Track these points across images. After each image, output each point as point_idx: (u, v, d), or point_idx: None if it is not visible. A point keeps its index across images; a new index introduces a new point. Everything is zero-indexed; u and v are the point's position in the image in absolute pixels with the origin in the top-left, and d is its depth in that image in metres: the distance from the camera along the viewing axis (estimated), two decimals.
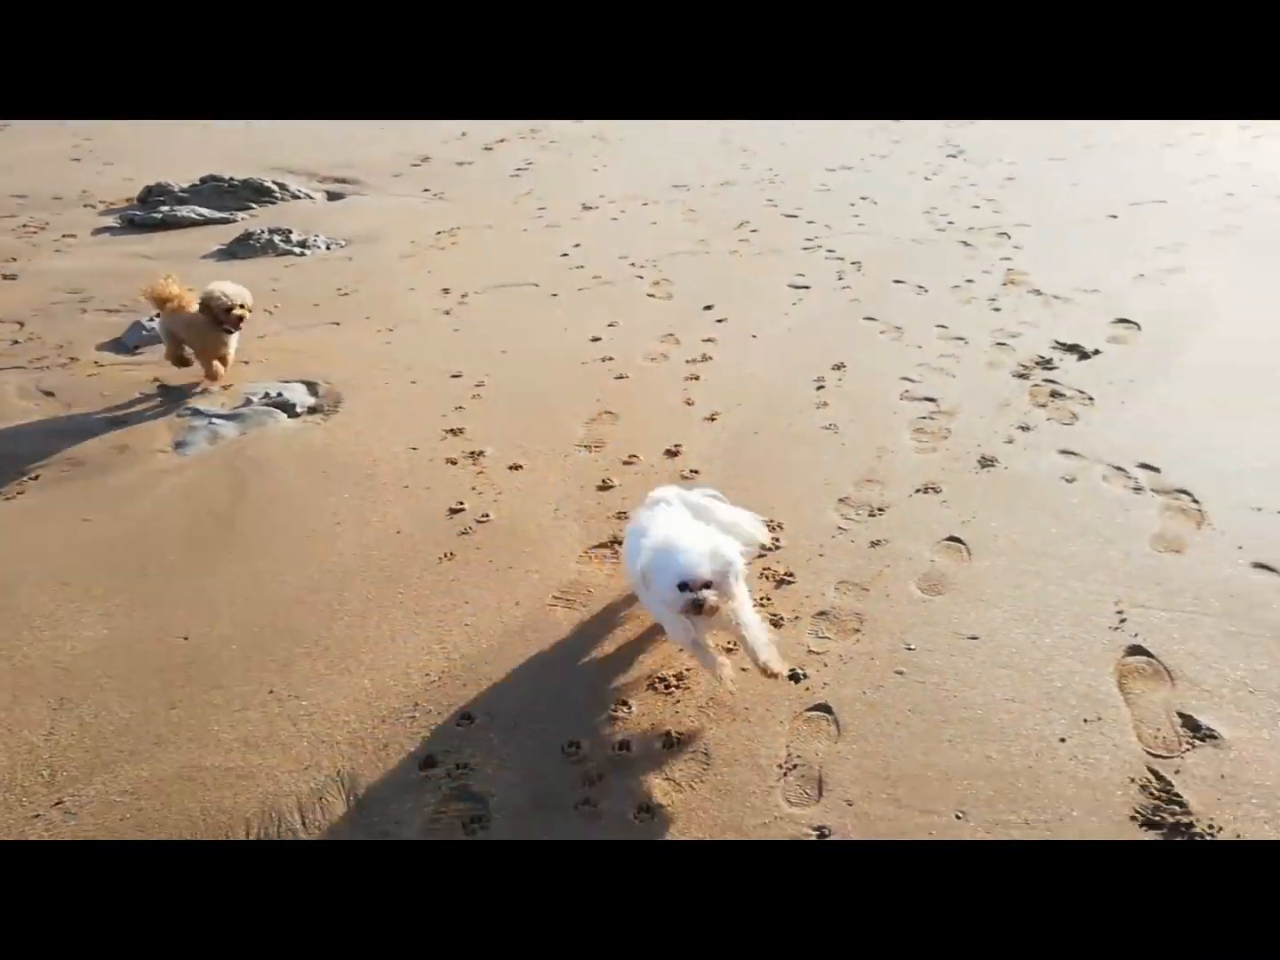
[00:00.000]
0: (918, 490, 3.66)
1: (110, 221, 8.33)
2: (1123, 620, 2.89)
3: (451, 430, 4.36)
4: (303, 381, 4.99)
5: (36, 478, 4.13)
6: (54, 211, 8.68)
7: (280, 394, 4.82)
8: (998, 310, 5.37)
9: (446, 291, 6.22)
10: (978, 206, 7.55)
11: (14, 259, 7.25)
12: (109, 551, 3.59)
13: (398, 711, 2.80)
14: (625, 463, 4.04)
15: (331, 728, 2.74)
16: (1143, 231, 6.72)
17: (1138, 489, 3.56)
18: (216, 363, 4.95)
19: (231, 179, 8.82)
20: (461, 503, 3.79)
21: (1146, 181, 8.07)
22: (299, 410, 4.74)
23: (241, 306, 4.82)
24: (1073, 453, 3.84)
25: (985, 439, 4.00)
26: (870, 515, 3.52)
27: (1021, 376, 4.54)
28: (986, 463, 3.81)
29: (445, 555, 3.49)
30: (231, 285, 4.87)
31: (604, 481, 3.89)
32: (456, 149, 10.90)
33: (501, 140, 11.29)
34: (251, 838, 2.40)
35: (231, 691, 2.89)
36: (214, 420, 4.61)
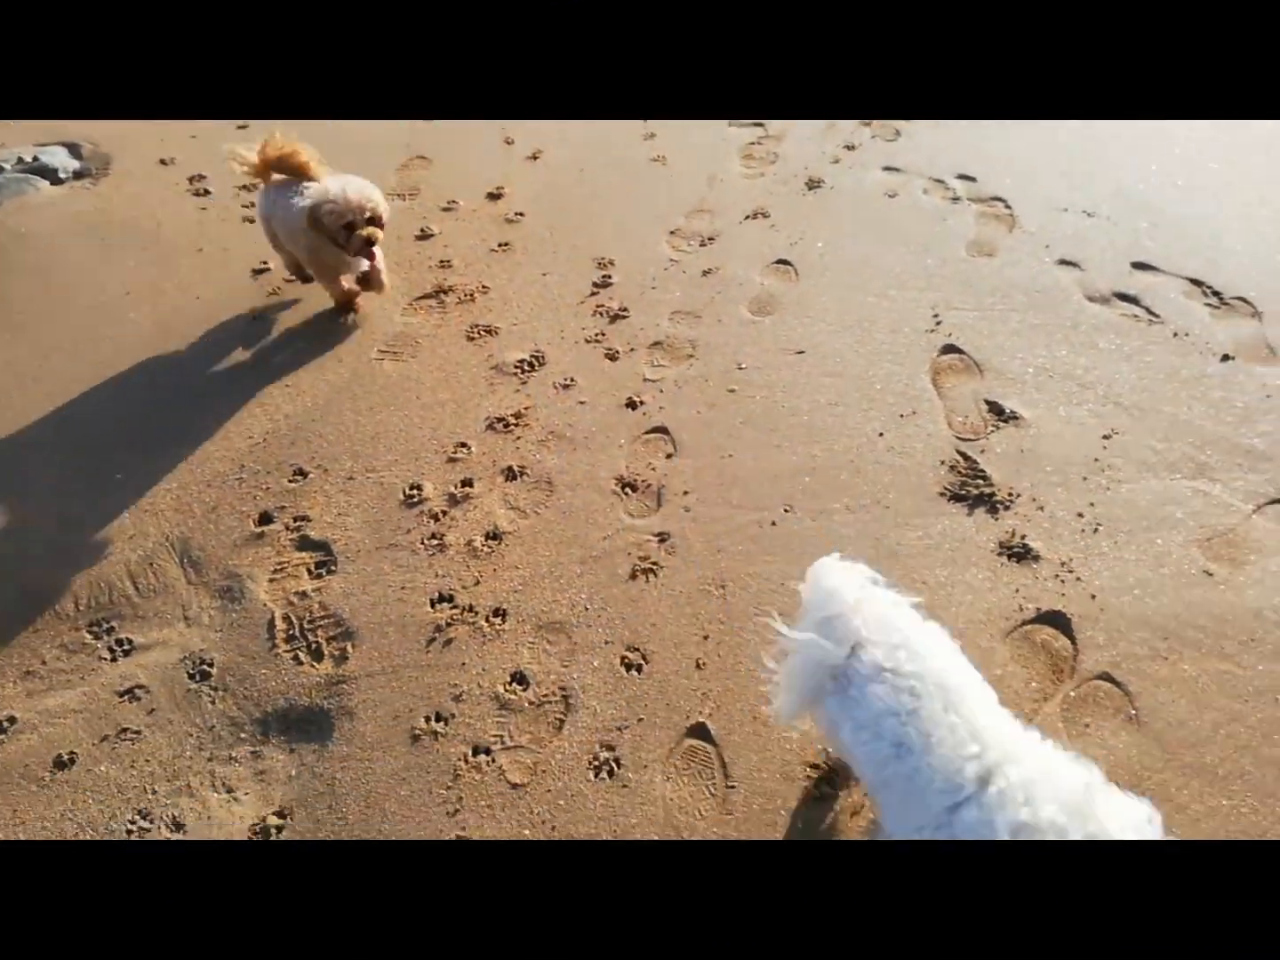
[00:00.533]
0: (747, 216, 3.61)
1: None
2: (938, 323, 3.03)
3: (245, 187, 3.93)
4: (62, 144, 4.32)
5: None
6: None
7: (37, 158, 4.17)
8: None
9: None
10: None
11: None
12: None
13: (223, 475, 2.70)
14: (444, 209, 3.78)
15: (153, 498, 2.62)
16: None
17: (955, 199, 3.63)
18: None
19: None
20: (265, 262, 3.49)
21: None
22: (63, 176, 4.14)
23: (370, 219, 3.02)
24: (895, 169, 3.84)
25: (812, 161, 3.93)
26: (701, 245, 3.47)
27: None
28: (813, 184, 3.77)
29: (253, 315, 3.25)
30: (350, 184, 3.04)
31: (423, 230, 3.65)
32: None
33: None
34: (81, 609, 2.34)
35: (50, 476, 2.71)
36: None
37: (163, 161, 4.14)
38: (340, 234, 2.95)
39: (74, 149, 4.32)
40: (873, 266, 3.30)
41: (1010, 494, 2.46)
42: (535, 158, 4.08)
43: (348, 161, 4.03)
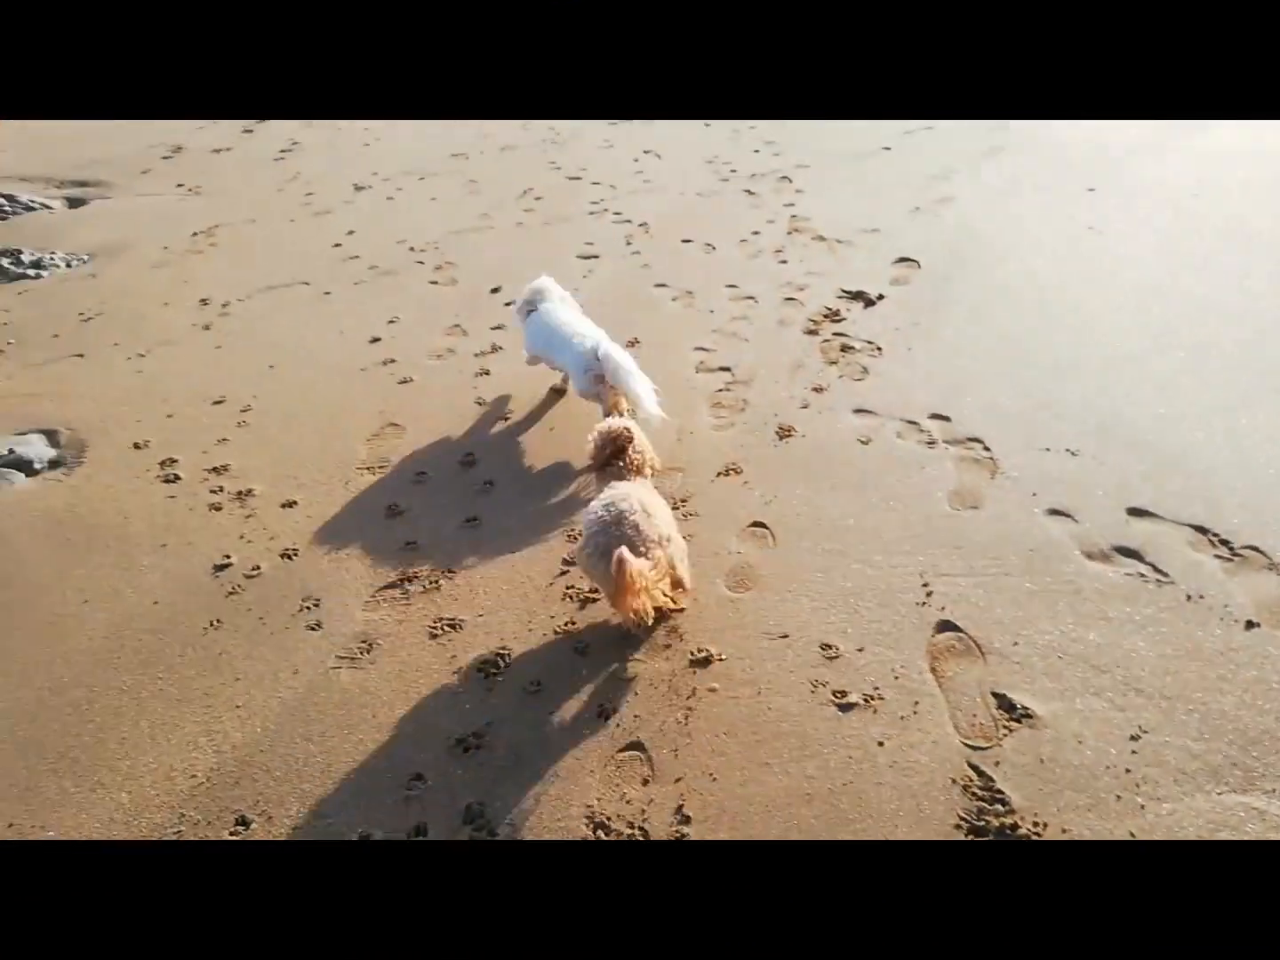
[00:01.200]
0: (719, 474, 3.52)
1: None
2: (929, 594, 2.84)
3: (214, 469, 3.88)
4: (41, 431, 4.33)
5: None
6: None
7: (12, 450, 4.15)
8: (784, 263, 5.28)
9: (205, 302, 5.58)
10: (758, 150, 7.43)
11: None
12: None
13: (160, 827, 2.43)
14: (414, 482, 3.70)
15: None
16: (915, 161, 6.80)
17: (931, 443, 3.55)
18: None
19: None
20: (228, 556, 3.36)
21: None
22: (38, 466, 4.10)
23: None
24: (867, 410, 3.79)
25: (781, 406, 3.89)
26: (674, 508, 3.35)
27: (812, 333, 4.46)
28: (784, 433, 3.71)
29: (212, 624, 3.07)
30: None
31: (392, 506, 3.54)
32: (212, 135, 9.89)
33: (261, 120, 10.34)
34: None
35: None
36: None
37: (136, 445, 4.12)
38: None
39: (52, 436, 4.32)
40: (854, 528, 3.15)
41: (1036, 824, 2.17)
42: (506, 419, 4.05)
43: (315, 432, 4.03)
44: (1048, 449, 3.43)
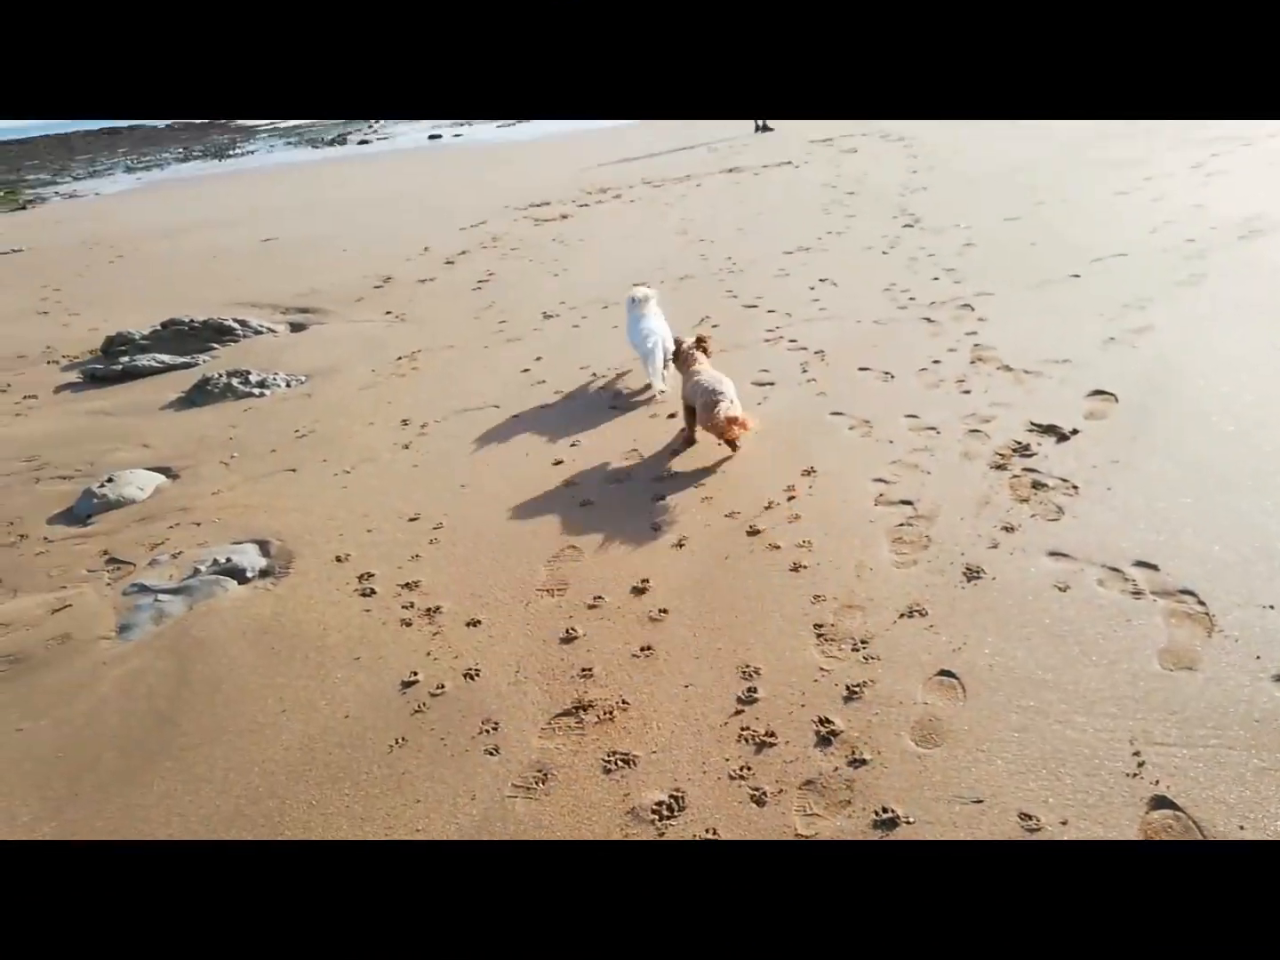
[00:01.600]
0: (902, 614, 3.40)
1: (72, 377, 8.27)
2: (1140, 764, 2.59)
3: (406, 585, 4.12)
4: (255, 541, 4.76)
5: None
6: (16, 371, 8.63)
7: (230, 559, 4.58)
8: (967, 393, 5.16)
9: (406, 423, 6.06)
10: (937, 278, 7.43)
11: None
12: (41, 767, 3.31)
13: None
14: (590, 606, 3.78)
15: None
16: (1107, 289, 6.56)
17: (1137, 593, 3.29)
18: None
19: (192, 321, 8.77)
20: (415, 673, 3.52)
21: (1104, 234, 7.96)
22: (250, 575, 4.50)
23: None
24: (1063, 554, 3.58)
25: (968, 545, 3.74)
26: (854, 649, 3.25)
27: (1000, 468, 4.30)
28: (972, 574, 3.55)
29: (397, 741, 3.20)
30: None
31: (568, 632, 3.62)
32: (419, 266, 10.95)
33: (463, 253, 11.36)
34: None
35: None
36: (160, 596, 4.36)
37: (338, 558, 4.45)
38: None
39: (264, 546, 4.73)
40: (1052, 683, 2.94)
41: None
42: (681, 545, 4.10)
43: (500, 551, 4.20)
44: (1270, 606, 3.11)
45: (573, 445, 5.32)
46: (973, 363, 5.56)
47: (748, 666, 3.26)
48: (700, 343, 5.36)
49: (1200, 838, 2.35)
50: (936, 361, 5.66)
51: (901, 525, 3.97)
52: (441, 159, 26.12)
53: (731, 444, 4.87)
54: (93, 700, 3.65)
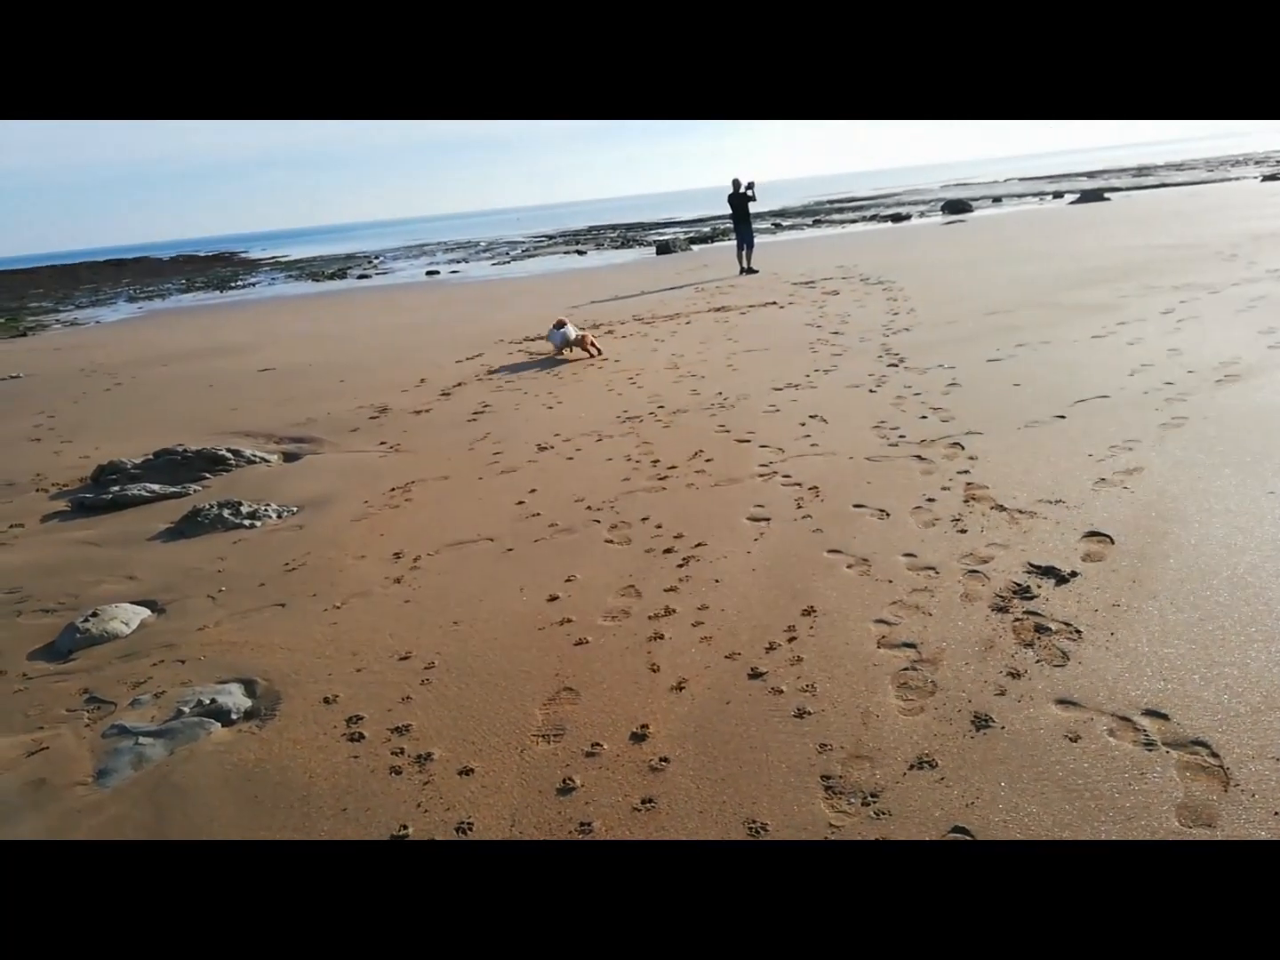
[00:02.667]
0: (912, 766, 3.29)
1: (61, 505, 8.23)
2: None
3: (396, 729, 3.98)
4: (240, 680, 4.63)
5: None
6: (4, 499, 8.60)
7: (214, 699, 4.43)
8: (964, 532, 5.19)
9: (398, 556, 6.01)
10: (925, 416, 7.61)
11: None
12: None
13: None
14: (588, 754, 3.65)
15: None
16: (1093, 431, 6.72)
17: (1149, 744, 3.22)
18: None
19: (184, 450, 8.81)
20: (405, 826, 3.35)
21: (1085, 376, 8.21)
22: (234, 716, 4.35)
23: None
24: (1071, 702, 3.51)
25: (975, 692, 3.68)
26: (864, 804, 3.13)
27: (1001, 610, 4.28)
28: (981, 722, 3.47)
29: None
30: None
31: (565, 783, 3.49)
32: (415, 397, 11.13)
33: (458, 384, 11.58)
34: None
35: None
36: (140, 739, 4.19)
37: (326, 700, 4.31)
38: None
39: (249, 686, 4.59)
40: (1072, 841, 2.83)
41: None
42: (680, 688, 4.01)
43: (493, 692, 4.04)
44: None
45: (568, 580, 5.28)
46: (966, 501, 5.62)
47: (754, 822, 3.13)
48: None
49: None
50: (930, 499, 5.72)
51: (906, 669, 3.91)
52: (438, 293, 27.03)
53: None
54: None
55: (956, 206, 44.25)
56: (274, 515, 7.24)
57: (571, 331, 12.48)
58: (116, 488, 8.13)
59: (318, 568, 6.00)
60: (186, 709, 4.38)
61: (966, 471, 6.15)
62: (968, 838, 2.80)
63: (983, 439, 6.81)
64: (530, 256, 44.54)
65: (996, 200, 49.25)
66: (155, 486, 8.16)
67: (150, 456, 8.78)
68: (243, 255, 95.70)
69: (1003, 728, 3.43)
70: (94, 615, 5.42)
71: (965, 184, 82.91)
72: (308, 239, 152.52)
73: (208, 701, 4.43)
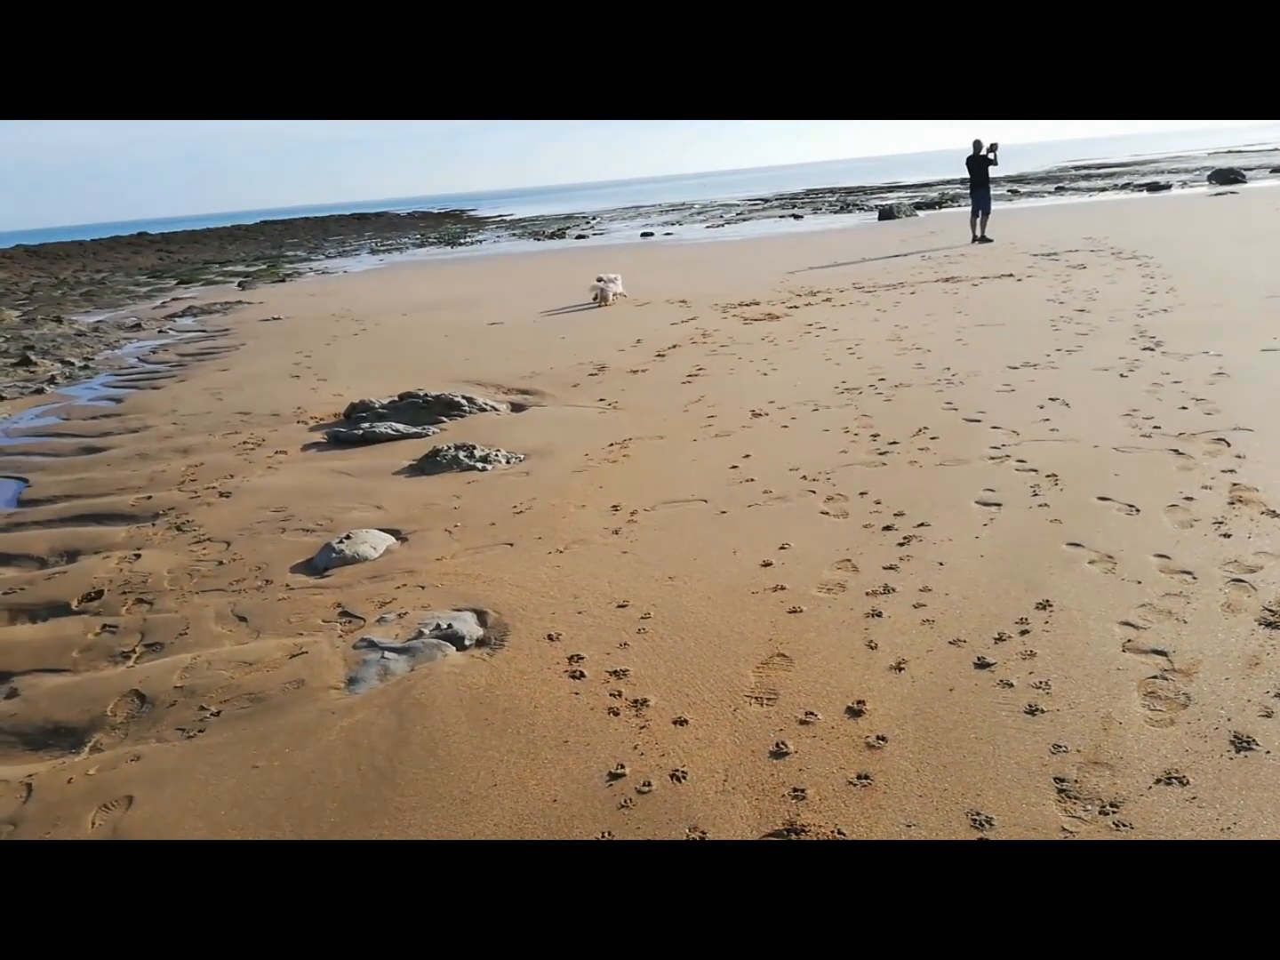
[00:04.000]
0: (1159, 780, 3.05)
1: (318, 437, 9.09)
2: None
3: (615, 672, 4.15)
4: (474, 610, 4.97)
5: (218, 714, 4.22)
6: (271, 428, 9.60)
7: (450, 625, 4.80)
8: (1227, 536, 4.69)
9: (616, 509, 6.21)
10: (1185, 407, 6.90)
11: (231, 476, 7.97)
12: (270, 807, 3.51)
13: None
14: (801, 721, 3.65)
15: None
16: None
17: None
18: None
19: (425, 394, 9.47)
20: (622, 766, 3.50)
21: None
22: (468, 643, 4.69)
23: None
24: None
25: (1236, 710, 3.34)
26: (1102, 812, 2.94)
27: (1271, 625, 3.85)
28: (1241, 744, 3.16)
29: (603, 836, 3.17)
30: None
31: (778, 746, 3.50)
32: (631, 357, 11.38)
33: (673, 346, 11.73)
34: None
35: None
36: (386, 654, 4.62)
37: (549, 637, 4.55)
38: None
39: (481, 616, 4.93)
40: None
41: None
42: (899, 668, 3.91)
43: (707, 650, 4.11)
44: None
45: (781, 548, 5.25)
46: (1232, 503, 5.07)
47: (978, 814, 3.01)
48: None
49: None
50: (1189, 498, 5.20)
51: (1154, 678, 3.61)
52: (652, 254, 27.40)
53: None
54: (320, 748, 3.87)
55: (1226, 176, 39.54)
56: (504, 460, 7.67)
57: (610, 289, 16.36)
58: (366, 425, 8.89)
59: (542, 513, 6.31)
60: (426, 630, 4.77)
61: (1232, 470, 5.53)
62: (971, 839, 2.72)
63: (1254, 437, 6.08)
64: (744, 220, 43.87)
65: (1277, 170, 43.61)
66: (400, 426, 8.86)
67: (395, 399, 9.52)
68: (471, 213, 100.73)
69: (1268, 753, 3.11)
70: (347, 538, 5.99)
71: (1238, 151, 73.92)
72: (530, 199, 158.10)
73: (445, 626, 4.79)
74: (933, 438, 6.89)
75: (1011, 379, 8.25)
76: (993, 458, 6.31)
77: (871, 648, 4.11)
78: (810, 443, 7.18)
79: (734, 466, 6.81)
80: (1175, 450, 6.01)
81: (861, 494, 5.93)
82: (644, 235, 40.62)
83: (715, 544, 5.46)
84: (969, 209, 22.04)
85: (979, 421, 7.16)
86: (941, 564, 4.79)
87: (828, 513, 5.73)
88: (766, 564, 5.08)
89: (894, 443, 6.90)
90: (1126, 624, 4.01)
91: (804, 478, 6.38)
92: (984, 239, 21.28)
